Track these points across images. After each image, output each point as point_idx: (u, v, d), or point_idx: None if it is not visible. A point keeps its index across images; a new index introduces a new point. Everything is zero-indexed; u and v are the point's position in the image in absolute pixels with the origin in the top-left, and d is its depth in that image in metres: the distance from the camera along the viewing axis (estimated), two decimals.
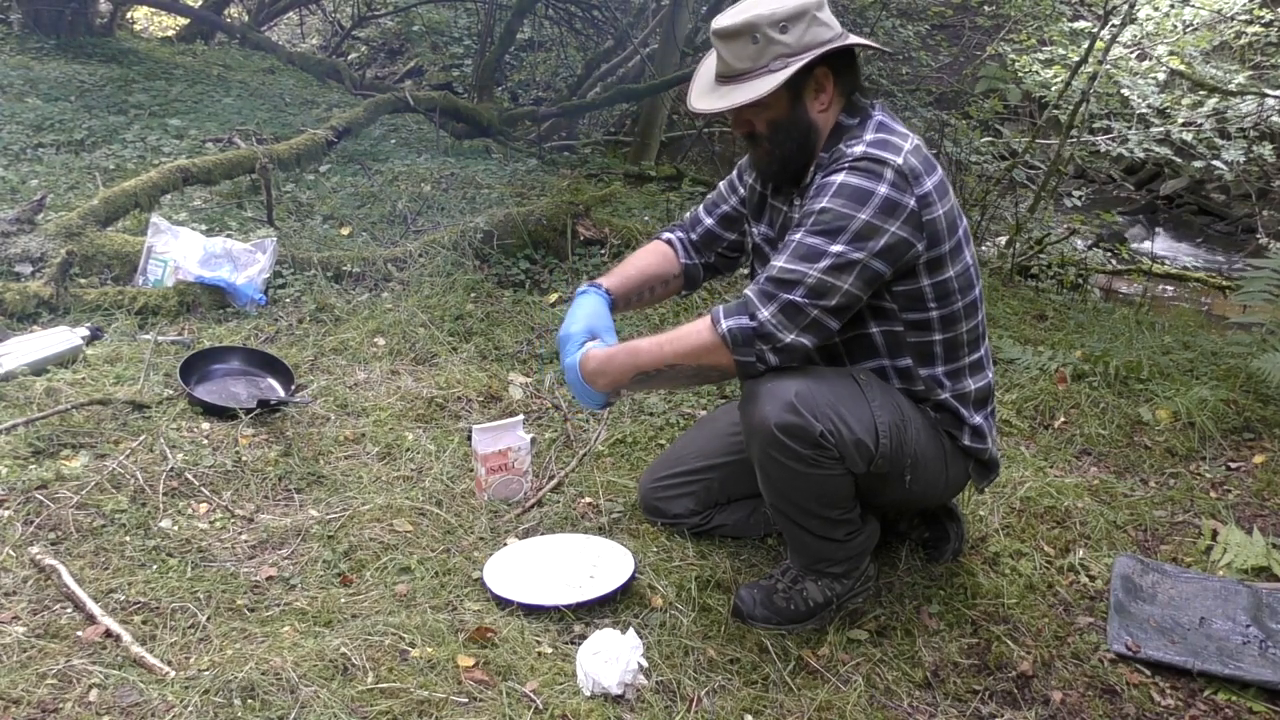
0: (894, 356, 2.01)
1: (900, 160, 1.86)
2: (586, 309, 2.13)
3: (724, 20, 1.90)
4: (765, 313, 1.86)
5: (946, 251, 1.93)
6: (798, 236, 1.88)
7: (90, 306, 3.16)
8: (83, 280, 3.32)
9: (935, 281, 1.94)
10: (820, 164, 1.96)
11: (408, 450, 2.65)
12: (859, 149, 1.88)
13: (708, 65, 2.01)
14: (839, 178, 1.86)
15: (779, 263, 1.88)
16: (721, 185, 2.28)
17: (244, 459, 2.51)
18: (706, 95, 1.97)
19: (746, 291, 1.92)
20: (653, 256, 2.31)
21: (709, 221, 2.27)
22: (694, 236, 2.30)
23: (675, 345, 1.94)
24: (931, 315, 1.97)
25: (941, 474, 2.10)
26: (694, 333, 1.93)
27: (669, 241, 2.32)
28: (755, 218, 2.18)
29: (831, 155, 1.94)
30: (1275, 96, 6.90)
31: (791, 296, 1.85)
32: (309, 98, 6.43)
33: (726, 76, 1.93)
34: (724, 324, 1.88)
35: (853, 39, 1.94)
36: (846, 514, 2.02)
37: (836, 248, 1.84)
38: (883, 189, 1.84)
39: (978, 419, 2.10)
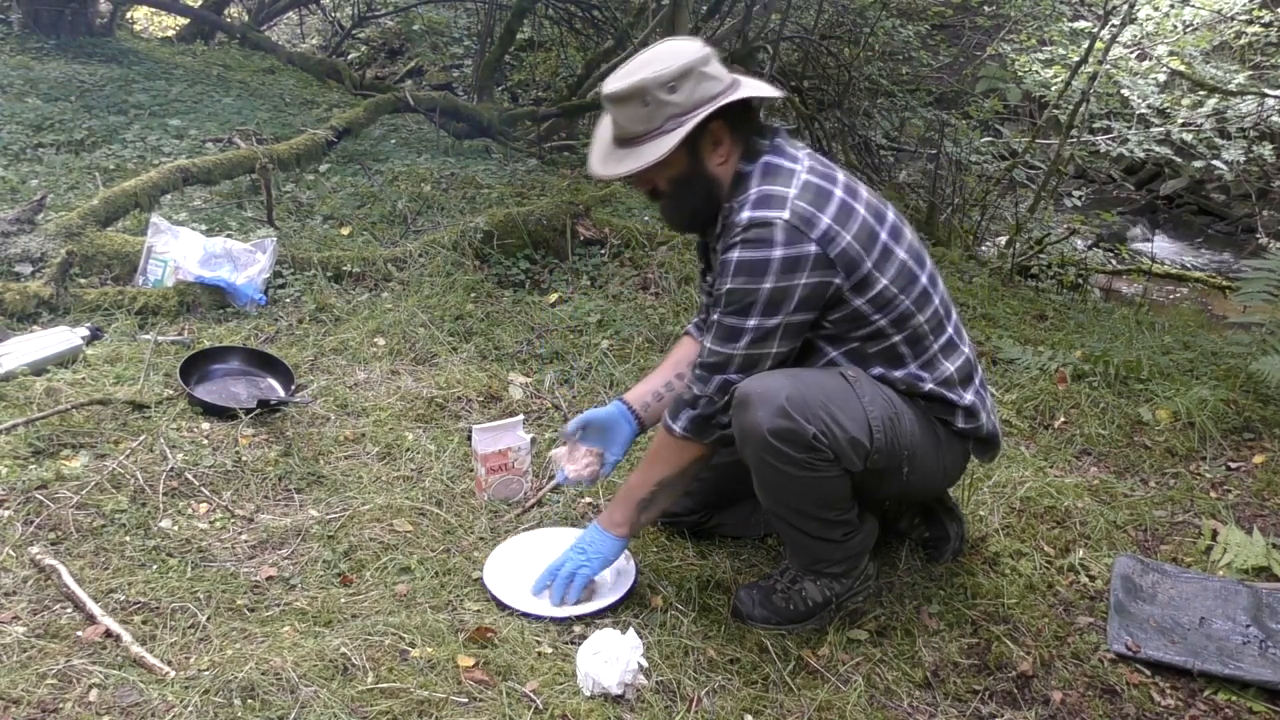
0: (866, 367, 2.01)
1: (787, 213, 1.86)
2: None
3: (613, 85, 1.90)
4: (705, 393, 1.98)
5: (869, 269, 1.92)
6: (715, 317, 1.95)
7: (90, 306, 3.16)
8: (83, 280, 3.32)
9: (869, 298, 1.94)
10: (724, 216, 1.97)
11: (408, 450, 2.65)
12: (745, 215, 1.88)
13: (604, 128, 2.01)
14: (734, 255, 1.88)
15: (708, 344, 1.98)
16: (699, 264, 2.30)
17: (244, 459, 2.51)
18: (605, 160, 1.98)
19: (686, 380, 2.04)
20: (673, 352, 2.37)
21: (704, 299, 2.29)
22: (704, 316, 2.31)
23: (654, 466, 2.09)
24: (880, 324, 1.97)
25: (939, 462, 2.09)
26: (662, 447, 2.07)
27: (688, 332, 2.37)
28: (710, 269, 2.18)
29: (727, 212, 1.95)
30: (1275, 96, 6.90)
31: (724, 376, 1.96)
32: (309, 98, 6.43)
33: (622, 140, 1.94)
34: (677, 427, 2.02)
35: (743, 89, 1.93)
36: (843, 514, 2.02)
37: (752, 322, 1.90)
38: (777, 253, 1.85)
39: (968, 398, 2.08)
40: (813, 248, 1.86)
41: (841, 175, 1.99)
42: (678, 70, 1.87)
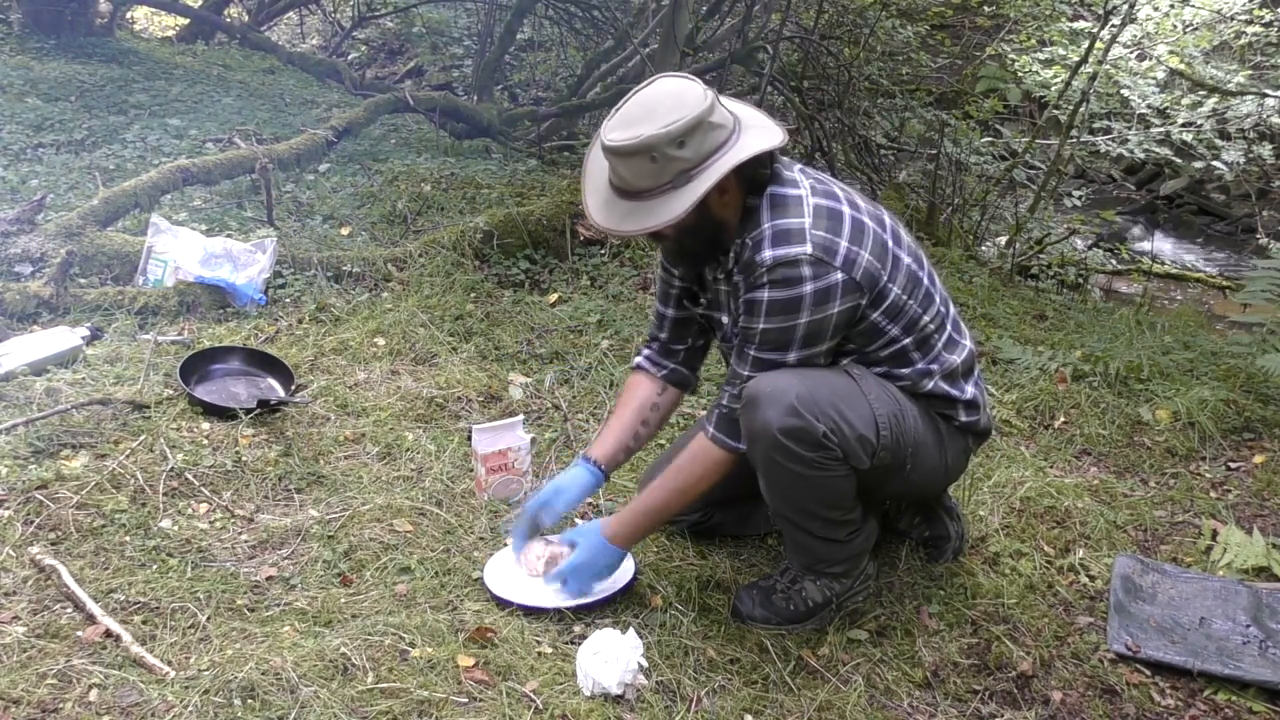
0: (870, 366, 2.02)
1: (808, 248, 1.85)
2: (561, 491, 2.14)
3: (617, 138, 1.82)
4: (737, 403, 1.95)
5: (885, 281, 1.93)
6: (751, 351, 1.92)
7: (90, 306, 3.16)
8: (83, 280, 3.31)
9: (883, 309, 1.95)
10: (738, 252, 1.93)
11: (408, 450, 2.65)
12: (767, 254, 1.86)
13: (598, 171, 1.94)
14: (764, 296, 1.87)
15: (745, 373, 1.94)
16: (659, 273, 2.21)
17: (244, 459, 2.51)
18: (609, 210, 1.90)
19: (724, 404, 1.98)
20: (633, 395, 2.23)
21: (671, 312, 2.21)
22: (664, 335, 2.23)
23: (688, 479, 2.04)
24: (893, 332, 1.99)
25: (941, 459, 2.10)
26: (706, 461, 2.01)
27: (639, 367, 2.27)
28: (699, 286, 2.13)
29: (740, 249, 1.92)
30: (1275, 96, 6.90)
31: None
32: (309, 98, 6.43)
33: (625, 191, 1.87)
34: (710, 428, 2.00)
35: (748, 138, 1.86)
36: (848, 514, 2.03)
37: (793, 355, 1.91)
38: (808, 288, 1.85)
39: (970, 391, 2.10)
40: (839, 275, 1.86)
41: (838, 188, 1.98)
42: (686, 126, 1.79)
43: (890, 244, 1.96)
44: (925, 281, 2.02)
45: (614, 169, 1.88)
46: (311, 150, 4.63)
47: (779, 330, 1.89)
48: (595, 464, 2.16)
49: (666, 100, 1.82)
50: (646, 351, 2.27)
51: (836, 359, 2.00)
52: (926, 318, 2.01)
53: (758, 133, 1.89)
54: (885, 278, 1.92)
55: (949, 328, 2.08)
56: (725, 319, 2.06)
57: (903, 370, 2.02)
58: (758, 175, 1.92)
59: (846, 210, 1.92)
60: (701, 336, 2.24)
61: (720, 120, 1.85)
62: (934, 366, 2.04)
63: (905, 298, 1.96)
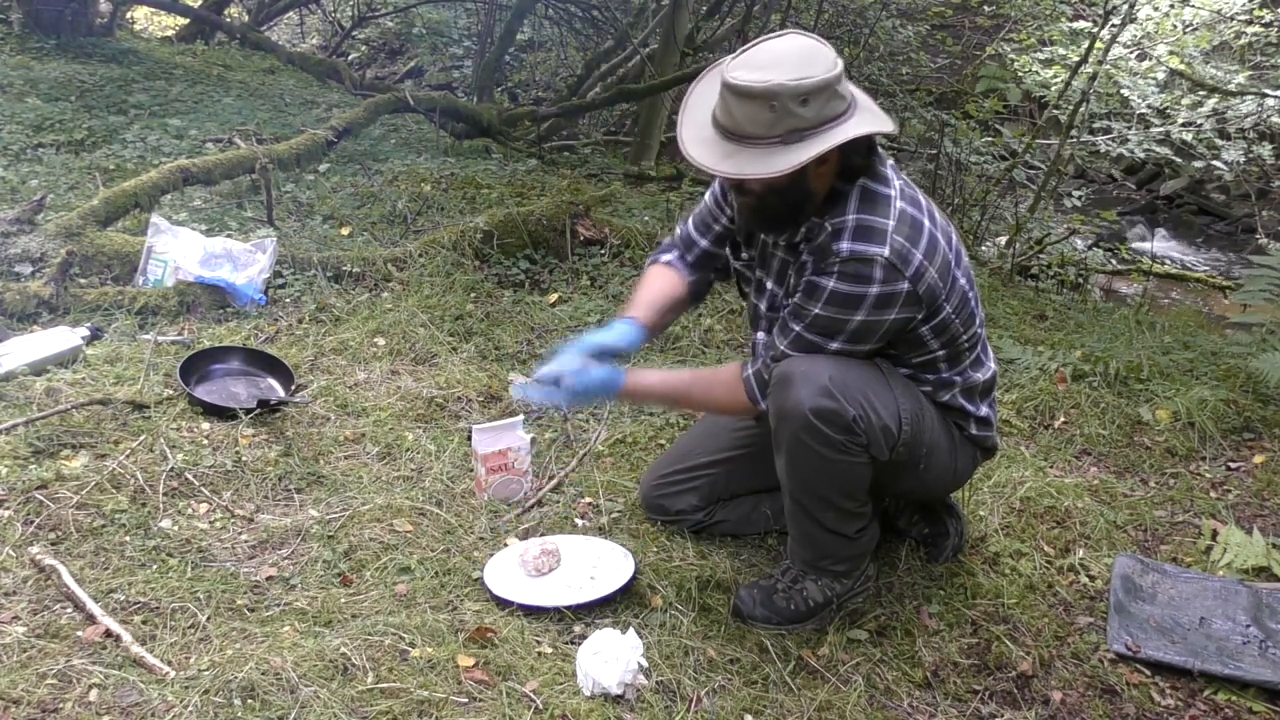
0: (898, 366, 2.04)
1: (886, 251, 1.84)
2: (613, 335, 2.14)
3: (743, 78, 1.76)
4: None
5: (942, 300, 1.93)
6: (797, 329, 1.92)
7: (90, 306, 3.16)
8: (83, 280, 3.31)
9: (933, 324, 1.96)
10: (810, 232, 1.92)
11: (408, 450, 2.65)
12: (845, 247, 1.85)
13: (702, 104, 1.89)
14: (829, 284, 1.86)
15: (781, 346, 1.95)
16: (707, 200, 2.20)
17: (244, 459, 2.51)
18: (708, 147, 1.84)
19: (760, 370, 2.00)
20: (664, 282, 2.24)
21: (704, 243, 2.21)
22: (689, 258, 2.24)
23: (702, 395, 2.16)
24: (932, 345, 2.00)
25: (951, 463, 2.12)
26: (727, 391, 2.06)
27: (670, 264, 2.26)
28: (746, 243, 2.14)
29: (817, 230, 1.90)
30: (1275, 96, 6.90)
31: None
32: (309, 98, 6.42)
33: (732, 133, 1.81)
34: (757, 395, 2.01)
35: (861, 117, 1.83)
36: (862, 507, 2.04)
37: (835, 345, 1.91)
38: (874, 289, 1.85)
39: (984, 410, 2.13)
40: (906, 285, 1.85)
41: (922, 195, 1.97)
42: (814, 85, 1.75)
43: (952, 264, 1.96)
44: (972, 303, 2.03)
45: (727, 108, 1.81)
46: (311, 150, 4.63)
47: (831, 319, 1.89)
48: (640, 324, 2.15)
49: (799, 54, 1.78)
50: (675, 254, 2.26)
51: (870, 357, 2.00)
52: (964, 336, 2.02)
53: (872, 116, 1.86)
54: (943, 296, 1.93)
55: (979, 348, 2.09)
56: (771, 285, 2.06)
57: (927, 377, 2.04)
58: (855, 161, 1.90)
59: (926, 222, 1.91)
60: (720, 274, 2.26)
61: (844, 92, 1.82)
62: (957, 379, 2.05)
63: (953, 316, 1.97)
